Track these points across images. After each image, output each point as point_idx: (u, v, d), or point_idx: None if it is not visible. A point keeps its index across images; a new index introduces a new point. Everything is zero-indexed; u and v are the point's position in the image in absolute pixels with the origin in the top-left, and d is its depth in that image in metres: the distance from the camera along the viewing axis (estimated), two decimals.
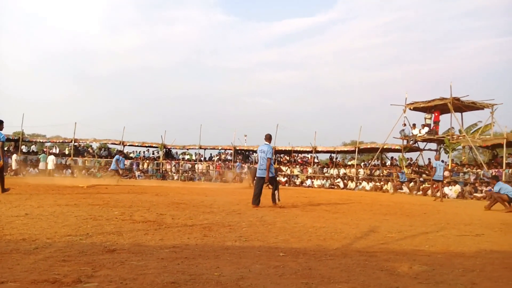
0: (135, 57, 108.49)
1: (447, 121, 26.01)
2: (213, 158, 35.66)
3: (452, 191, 20.70)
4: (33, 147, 34.27)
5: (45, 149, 33.58)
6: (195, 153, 35.81)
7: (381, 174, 27.54)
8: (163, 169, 33.28)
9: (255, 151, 35.37)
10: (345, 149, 33.78)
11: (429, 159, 26.71)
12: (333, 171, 29.88)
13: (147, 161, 33.96)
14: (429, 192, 18.99)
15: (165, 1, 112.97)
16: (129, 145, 34.75)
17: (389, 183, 25.17)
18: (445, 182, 20.84)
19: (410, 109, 26.32)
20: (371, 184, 26.53)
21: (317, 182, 29.14)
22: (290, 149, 32.74)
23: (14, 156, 27.32)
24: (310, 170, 30.95)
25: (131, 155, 35.12)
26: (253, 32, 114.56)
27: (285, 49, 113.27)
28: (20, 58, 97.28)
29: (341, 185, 27.75)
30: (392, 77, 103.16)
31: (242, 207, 9.33)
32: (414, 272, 3.51)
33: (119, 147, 34.58)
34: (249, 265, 3.53)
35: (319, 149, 31.63)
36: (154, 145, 35.01)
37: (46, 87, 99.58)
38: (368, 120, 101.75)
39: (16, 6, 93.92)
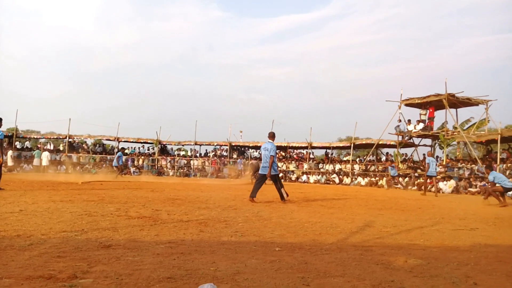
0: (130, 53, 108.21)
1: (442, 118, 26.13)
2: (208, 154, 35.61)
3: (447, 186, 20.80)
4: (27, 143, 34.07)
5: (39, 145, 33.43)
6: (191, 149, 35.77)
7: (376, 170, 27.63)
8: (159, 165, 33.21)
9: (251, 147, 35.42)
10: (341, 145, 33.83)
11: (423, 154, 26.76)
12: (329, 167, 29.93)
13: (142, 157, 33.88)
14: (423, 187, 19.05)
15: None
16: (124, 141, 34.61)
17: (384, 178, 25.26)
18: (439, 177, 21.00)
19: (405, 105, 26.37)
20: (366, 180, 26.62)
21: (312, 178, 29.19)
22: (285, 145, 32.72)
23: (10, 153, 27.11)
24: (305, 165, 30.98)
25: (126, 151, 35.00)
26: (248, 28, 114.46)
27: (280, 45, 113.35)
28: (14, 54, 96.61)
29: (337, 180, 27.80)
30: (387, 74, 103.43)
31: (238, 202, 9.33)
32: (409, 265, 3.52)
33: (114, 143, 34.48)
34: (245, 260, 3.53)
35: (314, 145, 31.63)
36: (149, 141, 34.87)
37: (41, 83, 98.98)
38: (364, 116, 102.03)
39: (10, 1, 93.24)
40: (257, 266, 3.32)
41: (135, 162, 32.90)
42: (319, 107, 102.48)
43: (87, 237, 4.33)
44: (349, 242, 4.68)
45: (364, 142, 30.33)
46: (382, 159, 30.23)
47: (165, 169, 33.09)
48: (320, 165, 30.90)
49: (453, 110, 25.32)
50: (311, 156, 32.97)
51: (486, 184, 17.33)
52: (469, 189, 20.01)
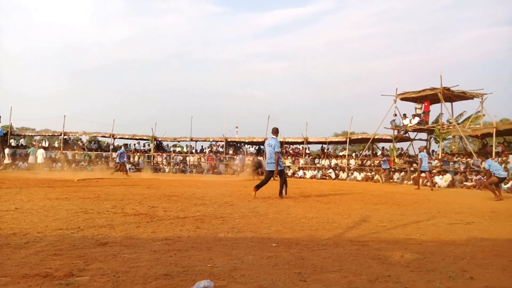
0: (125, 49, 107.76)
1: (437, 112, 26.17)
2: (204, 150, 35.56)
3: (442, 180, 20.88)
4: (22, 141, 33.90)
5: (34, 143, 33.27)
6: (186, 145, 35.70)
7: (372, 164, 27.69)
8: (154, 162, 33.14)
9: (247, 143, 35.40)
10: (337, 139, 33.86)
11: (419, 148, 26.87)
12: (325, 162, 29.97)
13: (138, 153, 33.80)
14: (420, 181, 19.11)
15: None
16: (119, 138, 34.46)
17: (383, 174, 25.31)
18: (434, 171, 21.09)
19: (401, 99, 26.40)
20: (362, 174, 26.68)
21: (309, 173, 29.23)
22: (281, 140, 32.65)
23: (7, 150, 26.92)
24: (301, 161, 31.01)
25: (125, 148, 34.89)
26: (243, 23, 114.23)
27: (276, 40, 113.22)
28: (8, 51, 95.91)
29: (333, 175, 27.84)
30: (383, 68, 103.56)
31: (234, 198, 9.33)
32: (406, 260, 3.53)
33: (109, 140, 34.36)
34: (242, 256, 3.53)
35: (310, 140, 31.64)
36: (144, 138, 34.75)
37: (35, 80, 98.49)
38: (359, 111, 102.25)
39: None
40: (254, 262, 3.32)
41: (131, 159, 32.80)
42: (315, 102, 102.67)
43: (83, 235, 4.31)
44: (346, 237, 4.69)
45: (360, 137, 30.35)
46: (378, 154, 30.30)
47: (161, 165, 33.03)
48: (316, 160, 30.94)
49: (448, 104, 25.39)
50: (307, 151, 33.01)
51: (482, 178, 17.43)
52: (465, 183, 20.09)
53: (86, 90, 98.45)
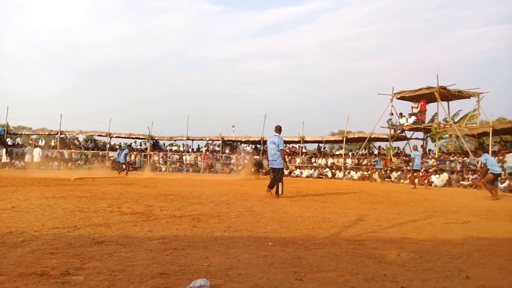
0: (121, 49, 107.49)
1: (434, 110, 26.23)
2: (201, 149, 35.52)
3: (439, 179, 20.93)
4: (19, 140, 33.78)
5: (30, 142, 33.15)
6: (183, 144, 35.64)
7: (369, 164, 27.73)
8: (151, 161, 33.07)
9: (243, 142, 35.37)
10: (333, 139, 33.90)
11: (413, 147, 26.94)
12: (321, 161, 29.99)
13: (135, 152, 33.71)
14: (416, 181, 19.14)
15: None
16: (116, 137, 34.40)
17: (376, 172, 25.36)
18: (431, 170, 21.15)
19: (397, 98, 26.45)
20: (359, 173, 26.71)
21: (305, 172, 29.24)
22: None
23: (4, 150, 26.82)
24: (298, 160, 31.03)
25: (117, 147, 34.81)
26: (240, 21, 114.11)
27: (272, 39, 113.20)
28: (4, 51, 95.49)
29: (329, 174, 27.86)
30: (379, 67, 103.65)
31: (231, 197, 9.33)
32: (402, 259, 3.54)
33: (106, 139, 34.26)
34: (238, 255, 3.53)
35: (307, 139, 31.66)
36: (141, 137, 34.68)
37: (32, 80, 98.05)
38: (356, 110, 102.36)
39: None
40: (250, 261, 3.32)
41: (128, 158, 32.66)
42: (312, 101, 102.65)
43: (79, 234, 4.30)
44: (342, 237, 4.70)
45: (356, 136, 30.41)
46: (374, 153, 30.35)
47: (157, 164, 32.95)
48: (313, 159, 30.96)
49: (444, 103, 25.44)
50: (304, 150, 33.03)
51: (478, 178, 17.47)
52: (461, 182, 20.15)
53: (82, 89, 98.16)
